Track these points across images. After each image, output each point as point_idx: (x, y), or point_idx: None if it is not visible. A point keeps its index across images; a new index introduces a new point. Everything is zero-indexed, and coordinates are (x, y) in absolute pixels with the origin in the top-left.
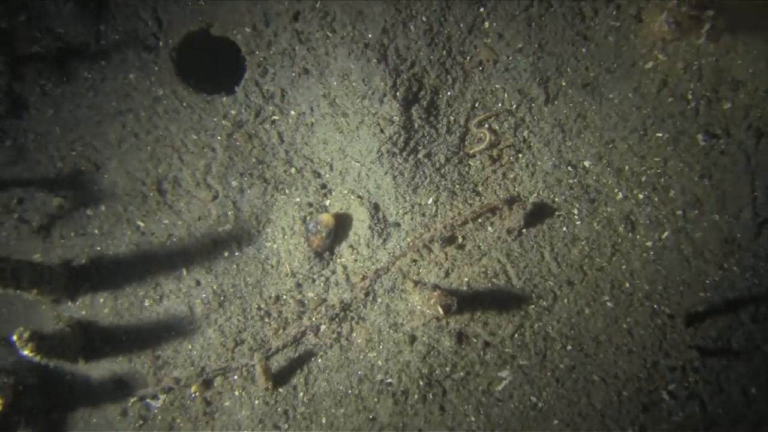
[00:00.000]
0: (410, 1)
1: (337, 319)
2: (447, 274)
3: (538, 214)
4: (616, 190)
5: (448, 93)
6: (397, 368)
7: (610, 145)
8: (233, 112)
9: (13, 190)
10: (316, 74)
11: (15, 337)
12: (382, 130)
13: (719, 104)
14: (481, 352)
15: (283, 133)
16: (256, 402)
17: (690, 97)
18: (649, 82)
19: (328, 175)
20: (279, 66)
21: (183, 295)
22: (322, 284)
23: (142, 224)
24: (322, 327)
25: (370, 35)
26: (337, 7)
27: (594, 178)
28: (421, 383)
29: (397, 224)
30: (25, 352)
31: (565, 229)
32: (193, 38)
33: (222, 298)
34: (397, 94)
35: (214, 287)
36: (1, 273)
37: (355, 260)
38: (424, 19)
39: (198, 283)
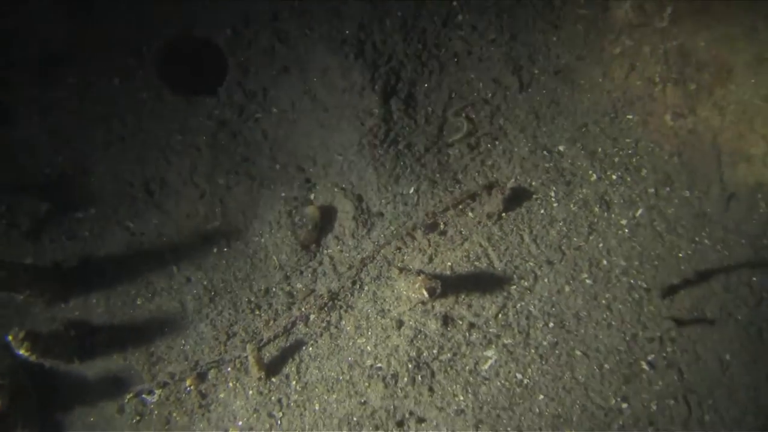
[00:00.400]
0: None
1: (326, 309)
2: (431, 260)
3: (517, 198)
4: (590, 172)
5: (425, 85)
6: (385, 353)
7: (583, 129)
8: (217, 111)
9: (1, 197)
10: (297, 71)
11: (10, 338)
12: (362, 123)
13: (685, 85)
14: (467, 333)
15: (266, 130)
16: (250, 392)
17: (657, 79)
18: (618, 67)
19: (311, 169)
20: (260, 65)
21: (174, 292)
22: (310, 275)
23: (131, 225)
24: (312, 316)
25: (347, 31)
26: (315, 5)
27: (569, 161)
28: (409, 366)
29: (381, 214)
30: (21, 352)
31: (542, 211)
32: (175, 41)
33: (213, 293)
34: (376, 87)
35: (205, 283)
36: None
37: (341, 251)
38: (399, 14)
39: (188, 279)
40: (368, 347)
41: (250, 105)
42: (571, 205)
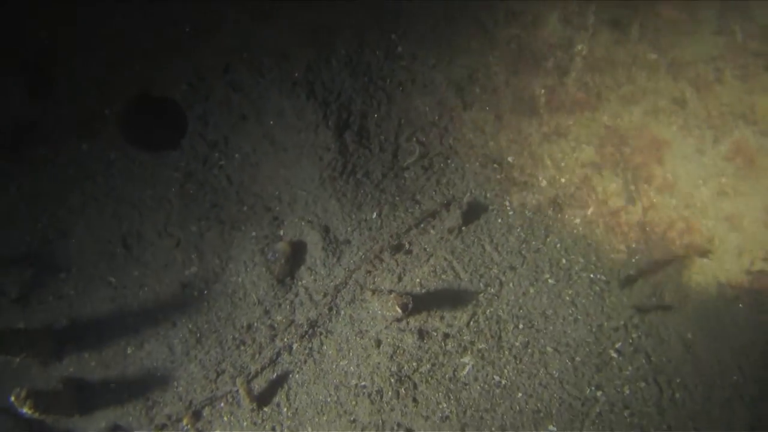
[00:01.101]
0: (329, 38)
1: (307, 336)
2: (400, 279)
3: (474, 211)
4: (540, 178)
5: (375, 115)
6: (368, 371)
7: (528, 139)
8: (182, 163)
9: None
10: (254, 117)
11: (13, 398)
12: (320, 158)
13: (618, 90)
14: (443, 344)
15: (230, 175)
16: (245, 423)
17: (591, 84)
18: (552, 77)
19: (278, 207)
20: (218, 115)
21: (162, 338)
22: (288, 307)
23: (113, 279)
24: (295, 345)
25: (296, 74)
26: (263, 53)
27: (518, 170)
28: (392, 381)
29: (348, 241)
30: (25, 411)
31: (500, 220)
32: (135, 101)
33: (198, 334)
34: (329, 123)
35: (190, 326)
36: None
37: (315, 280)
38: (343, 52)
39: (174, 324)
40: (351, 368)
41: (213, 153)
42: (526, 212)
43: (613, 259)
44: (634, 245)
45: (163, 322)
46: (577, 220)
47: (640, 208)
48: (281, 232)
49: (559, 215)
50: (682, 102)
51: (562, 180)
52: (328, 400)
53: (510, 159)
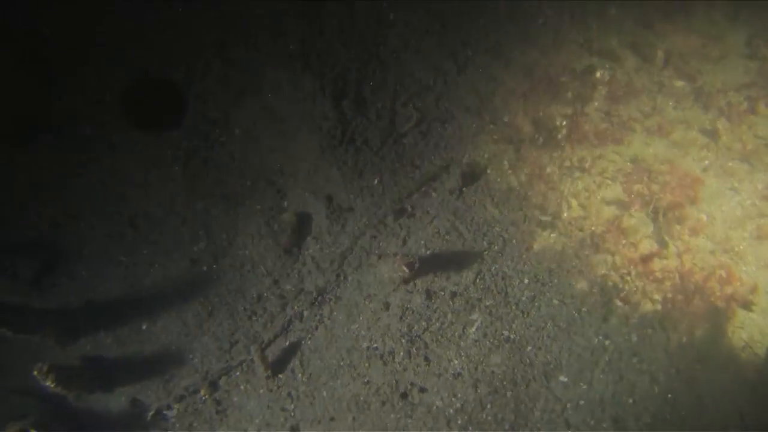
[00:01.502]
0: (319, 10)
1: (316, 304)
2: (405, 242)
3: (473, 172)
4: (536, 136)
5: (371, 83)
6: (379, 333)
7: (523, 99)
8: (184, 142)
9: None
10: (251, 92)
11: (35, 372)
12: (320, 128)
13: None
14: (450, 302)
15: (232, 151)
16: (261, 391)
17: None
18: (544, 37)
19: (281, 180)
20: (216, 92)
21: (175, 313)
22: (296, 276)
23: (124, 258)
24: (305, 313)
25: (291, 46)
26: (258, 29)
27: (515, 129)
28: (403, 341)
29: (351, 209)
30: (47, 384)
31: (499, 179)
32: (135, 84)
33: (210, 307)
34: (326, 93)
35: (201, 299)
36: (4, 320)
37: (321, 249)
38: (335, 22)
39: (185, 299)
40: (362, 331)
41: (214, 130)
42: (525, 169)
43: None
44: (669, 295)
45: (175, 297)
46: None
47: (674, 253)
48: (285, 204)
49: (557, 171)
50: (714, 134)
51: (558, 137)
52: (342, 363)
53: (506, 119)
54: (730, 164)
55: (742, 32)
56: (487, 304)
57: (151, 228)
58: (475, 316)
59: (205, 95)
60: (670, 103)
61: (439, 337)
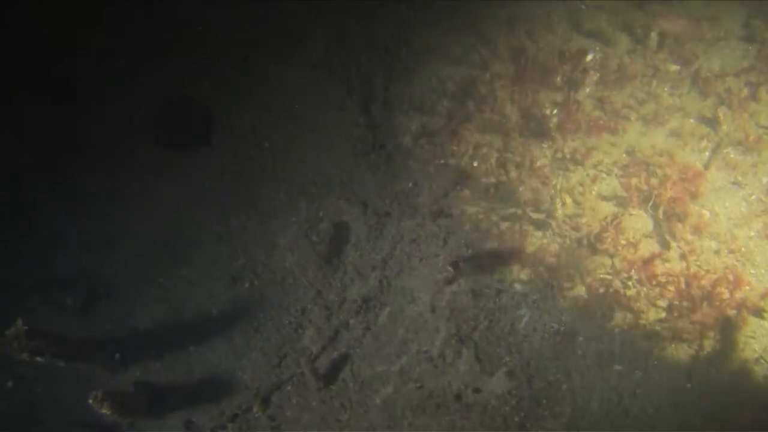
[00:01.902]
0: (342, 18)
1: (362, 311)
2: (445, 242)
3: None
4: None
5: (398, 85)
6: (427, 336)
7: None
8: (214, 158)
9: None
10: (277, 103)
11: (90, 400)
12: (350, 134)
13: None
14: (496, 299)
15: (263, 164)
16: (314, 403)
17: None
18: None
19: (314, 189)
20: (243, 106)
21: (221, 331)
22: (339, 285)
23: (162, 280)
24: (351, 322)
25: (314, 55)
26: (281, 41)
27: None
28: (452, 342)
29: (388, 213)
30: (103, 411)
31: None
32: (159, 103)
33: (256, 324)
34: (354, 98)
35: (246, 316)
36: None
37: (361, 256)
38: (356, 28)
39: (230, 316)
40: (410, 335)
41: (243, 145)
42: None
43: None
44: (675, 302)
45: (220, 316)
46: None
47: (676, 254)
48: (321, 213)
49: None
50: (713, 123)
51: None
52: (392, 369)
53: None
54: (732, 156)
55: (739, 13)
56: (534, 298)
57: (188, 247)
58: (522, 312)
59: (232, 109)
60: (666, 89)
61: (489, 335)
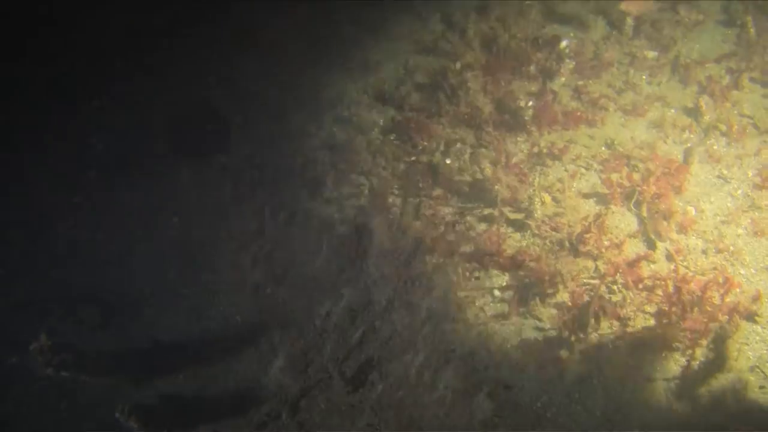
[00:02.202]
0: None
1: (386, 313)
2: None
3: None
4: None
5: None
6: (455, 334)
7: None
8: (230, 165)
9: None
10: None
11: (118, 414)
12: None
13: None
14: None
15: (279, 169)
16: (343, 408)
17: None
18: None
19: (335, 192)
20: (258, 112)
21: (246, 340)
22: (362, 287)
23: (186, 291)
24: (377, 323)
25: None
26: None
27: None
28: (481, 338)
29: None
30: (131, 424)
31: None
32: (183, 111)
33: (280, 330)
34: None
35: (271, 323)
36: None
37: (384, 256)
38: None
39: (253, 324)
40: (437, 334)
41: (259, 151)
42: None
43: None
44: (665, 307)
45: (243, 324)
46: None
47: (662, 255)
48: (342, 215)
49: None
50: (695, 113)
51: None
52: (422, 371)
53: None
54: (715, 147)
55: None
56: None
57: (208, 255)
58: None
59: (247, 116)
60: (644, 77)
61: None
